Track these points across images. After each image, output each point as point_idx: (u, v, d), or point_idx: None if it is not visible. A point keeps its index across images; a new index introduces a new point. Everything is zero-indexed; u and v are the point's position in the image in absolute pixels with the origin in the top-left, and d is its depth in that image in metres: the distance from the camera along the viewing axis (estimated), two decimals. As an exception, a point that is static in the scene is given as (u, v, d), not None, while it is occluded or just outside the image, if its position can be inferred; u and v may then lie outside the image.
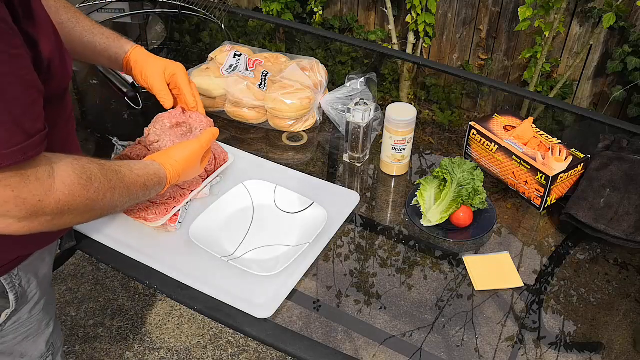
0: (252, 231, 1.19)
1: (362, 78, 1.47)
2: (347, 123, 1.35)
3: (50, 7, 1.01)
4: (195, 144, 1.11)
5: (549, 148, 1.29)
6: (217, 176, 1.29)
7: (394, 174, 1.38)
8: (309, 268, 1.13)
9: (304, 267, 1.11)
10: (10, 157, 0.69)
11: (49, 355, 1.08)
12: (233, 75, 1.50)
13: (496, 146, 1.32)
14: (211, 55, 1.60)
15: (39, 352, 1.05)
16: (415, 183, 1.31)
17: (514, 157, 1.29)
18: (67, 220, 0.81)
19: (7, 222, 0.73)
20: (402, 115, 1.31)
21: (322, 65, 1.54)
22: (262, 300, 1.05)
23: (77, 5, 1.85)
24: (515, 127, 1.35)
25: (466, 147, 1.41)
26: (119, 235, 1.17)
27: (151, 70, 1.22)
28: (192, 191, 1.21)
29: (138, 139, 1.28)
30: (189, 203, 1.23)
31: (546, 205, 1.28)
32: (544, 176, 1.24)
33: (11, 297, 0.94)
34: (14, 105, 0.68)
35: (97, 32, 1.19)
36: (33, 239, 0.83)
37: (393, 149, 1.33)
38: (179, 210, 1.19)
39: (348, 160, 1.41)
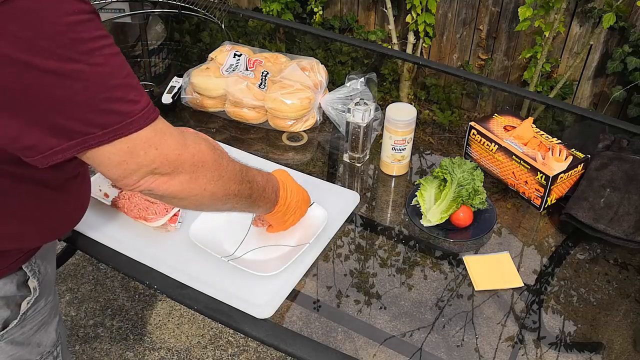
0: (252, 231, 1.19)
1: (362, 78, 1.47)
2: (347, 123, 1.35)
3: None
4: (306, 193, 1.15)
5: (549, 148, 1.29)
6: (217, 176, 1.28)
7: (394, 174, 1.38)
8: (310, 268, 1.13)
9: (303, 267, 1.11)
10: (147, 117, 0.75)
11: (59, 344, 1.09)
12: (233, 75, 1.50)
13: (496, 146, 1.32)
14: (211, 55, 1.60)
15: (51, 341, 1.06)
16: (415, 183, 1.31)
17: (514, 157, 1.29)
18: (203, 183, 0.85)
19: (159, 179, 0.80)
20: (402, 115, 1.31)
21: (322, 65, 1.54)
22: (261, 300, 1.05)
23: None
24: (515, 127, 1.35)
25: (466, 147, 1.41)
26: (119, 235, 1.17)
27: None
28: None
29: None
30: (189, 203, 1.23)
31: (546, 205, 1.28)
32: (544, 176, 1.24)
33: (34, 284, 0.96)
34: (133, 77, 0.75)
35: None
36: (55, 225, 0.92)
37: (393, 149, 1.33)
38: (178, 210, 1.19)
39: (348, 160, 1.41)
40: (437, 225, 1.23)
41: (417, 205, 1.26)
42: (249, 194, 0.96)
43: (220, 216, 1.20)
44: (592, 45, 2.44)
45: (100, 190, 1.23)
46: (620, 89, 2.41)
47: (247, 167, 0.97)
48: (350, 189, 1.33)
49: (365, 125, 1.33)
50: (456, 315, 1.07)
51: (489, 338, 1.04)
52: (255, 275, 1.07)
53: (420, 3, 2.58)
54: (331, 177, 1.40)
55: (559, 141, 1.32)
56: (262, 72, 1.51)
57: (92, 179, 1.24)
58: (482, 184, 1.23)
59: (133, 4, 2.03)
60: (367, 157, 1.42)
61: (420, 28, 2.66)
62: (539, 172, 1.24)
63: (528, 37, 2.56)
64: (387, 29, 2.83)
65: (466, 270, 1.15)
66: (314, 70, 1.51)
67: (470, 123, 1.37)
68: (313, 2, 2.89)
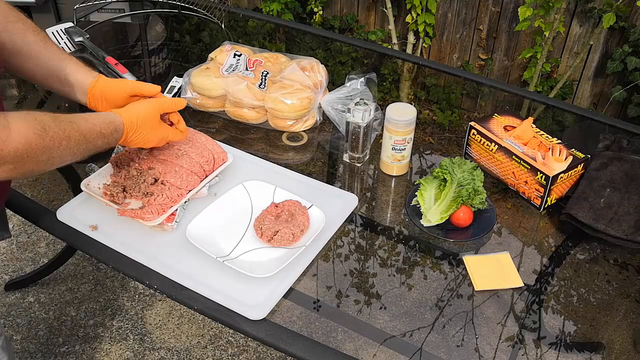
0: (249, 232, 1.19)
1: (362, 78, 1.47)
2: (347, 123, 1.35)
3: (17, 29, 1.11)
4: (153, 101, 1.16)
5: (549, 148, 1.29)
6: (216, 176, 1.29)
7: (394, 174, 1.38)
8: (309, 268, 1.13)
9: (298, 270, 1.11)
10: None
11: None
12: (233, 75, 1.50)
13: (496, 146, 1.32)
14: (211, 55, 1.60)
15: None
16: (415, 183, 1.31)
17: (514, 157, 1.29)
18: (30, 168, 0.91)
19: None
20: (402, 115, 1.31)
21: (322, 65, 1.54)
22: (255, 301, 1.05)
23: (77, 5, 1.86)
24: (515, 127, 1.35)
25: (466, 147, 1.41)
26: (118, 235, 1.17)
27: (117, 88, 1.20)
28: (189, 191, 1.21)
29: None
30: (187, 203, 1.23)
31: (546, 205, 1.28)
32: (544, 176, 1.24)
33: None
34: None
35: (65, 58, 1.18)
36: None
37: (393, 149, 1.33)
38: (176, 210, 1.19)
39: (348, 160, 1.41)
40: (437, 225, 1.23)
41: (417, 205, 1.26)
42: (81, 151, 0.99)
43: (218, 216, 1.20)
44: (592, 45, 2.44)
45: (100, 189, 1.23)
46: (620, 89, 2.41)
47: (75, 122, 0.98)
48: (350, 189, 1.33)
49: (365, 125, 1.33)
50: (456, 315, 1.07)
51: (489, 338, 1.04)
52: (250, 277, 1.07)
53: (420, 3, 2.58)
54: (331, 178, 1.40)
55: (559, 141, 1.32)
56: (262, 72, 1.51)
57: (91, 177, 1.25)
58: (482, 184, 1.23)
59: (133, 4, 2.03)
60: (367, 157, 1.42)
61: (420, 28, 2.66)
62: (539, 172, 1.24)
63: (528, 37, 2.56)
64: (387, 29, 2.83)
65: (466, 270, 1.15)
66: (314, 70, 1.51)
67: (470, 123, 1.37)
68: (313, 2, 2.89)
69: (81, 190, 1.22)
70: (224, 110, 1.53)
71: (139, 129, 1.10)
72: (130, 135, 1.10)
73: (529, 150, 1.29)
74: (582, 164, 1.28)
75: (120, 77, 1.60)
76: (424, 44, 2.78)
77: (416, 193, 1.27)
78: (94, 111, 1.18)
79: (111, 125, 1.05)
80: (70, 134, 0.96)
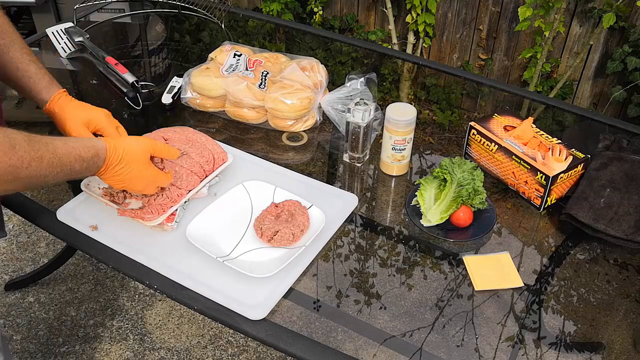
0: (249, 232, 1.19)
1: (362, 78, 1.47)
2: (347, 123, 1.35)
3: None
4: (146, 139, 1.10)
5: (549, 148, 1.29)
6: (216, 176, 1.29)
7: (394, 174, 1.38)
8: (309, 268, 1.13)
9: (298, 270, 1.11)
10: None
11: None
12: (233, 75, 1.50)
13: (496, 146, 1.32)
14: (211, 55, 1.60)
15: None
16: (415, 183, 1.31)
17: (514, 157, 1.29)
18: None
19: None
20: (402, 115, 1.31)
21: (322, 65, 1.54)
22: (255, 301, 1.05)
23: (77, 5, 1.86)
24: (515, 127, 1.35)
25: (466, 147, 1.41)
26: (118, 235, 1.17)
27: (72, 121, 1.19)
28: (189, 191, 1.21)
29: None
30: (187, 203, 1.23)
31: (546, 205, 1.28)
32: (544, 176, 1.24)
33: None
34: None
35: (31, 65, 1.17)
36: None
37: (393, 149, 1.33)
38: (176, 210, 1.19)
39: (348, 160, 1.41)
40: (437, 225, 1.23)
41: (417, 205, 1.26)
42: (54, 174, 0.93)
43: (218, 216, 1.20)
44: (592, 45, 2.44)
45: (100, 189, 1.23)
46: (620, 89, 2.41)
47: (52, 144, 0.93)
48: (350, 189, 1.33)
49: (365, 125, 1.33)
50: (456, 315, 1.07)
51: (489, 338, 1.04)
52: (250, 277, 1.07)
53: (420, 3, 2.58)
54: (331, 178, 1.40)
55: (559, 141, 1.32)
56: (262, 72, 1.51)
57: (91, 177, 1.25)
58: (482, 184, 1.23)
59: (133, 4, 2.03)
60: (367, 157, 1.42)
61: (420, 28, 2.66)
62: (539, 172, 1.24)
63: (528, 37, 2.56)
64: (387, 29, 2.83)
65: (466, 270, 1.15)
66: (314, 70, 1.51)
67: (470, 123, 1.37)
68: (313, 2, 2.89)
69: (81, 190, 1.23)
70: (224, 110, 1.53)
71: (122, 161, 1.03)
72: (111, 167, 1.03)
73: (529, 150, 1.29)
74: (582, 164, 1.28)
75: (121, 77, 1.60)
76: (424, 44, 2.78)
77: (416, 193, 1.27)
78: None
79: (92, 149, 0.99)
80: (42, 155, 0.90)
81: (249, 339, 2.02)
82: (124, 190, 1.21)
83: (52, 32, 1.79)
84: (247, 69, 1.52)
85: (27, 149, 0.87)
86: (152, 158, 1.12)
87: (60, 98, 1.22)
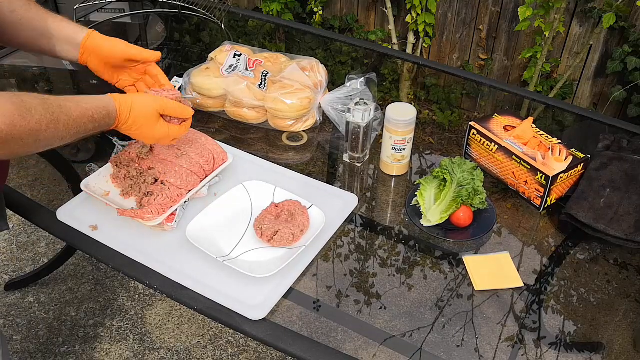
0: (249, 232, 1.19)
1: (362, 78, 1.47)
2: (347, 123, 1.35)
3: (4, 1, 1.10)
4: (156, 98, 1.13)
5: (549, 148, 1.29)
6: (216, 176, 1.29)
7: (394, 174, 1.38)
8: (309, 268, 1.13)
9: (298, 270, 1.11)
10: None
11: None
12: (233, 75, 1.50)
13: (496, 146, 1.32)
14: (211, 55, 1.60)
15: None
16: (415, 183, 1.31)
17: (514, 157, 1.29)
18: (14, 149, 0.90)
19: None
20: (402, 115, 1.31)
21: (322, 65, 1.54)
22: (255, 301, 1.05)
23: (77, 5, 1.86)
24: (515, 127, 1.35)
25: (466, 147, 1.41)
26: (118, 235, 1.17)
27: (111, 46, 1.19)
28: (189, 191, 1.21)
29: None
30: (187, 203, 1.23)
31: (546, 205, 1.28)
32: (544, 176, 1.24)
33: None
34: None
35: (50, 17, 1.16)
36: None
37: (393, 149, 1.33)
38: (176, 210, 1.19)
39: (348, 160, 1.41)
40: (437, 225, 1.23)
41: (417, 205, 1.26)
42: (70, 135, 0.98)
43: (218, 216, 1.20)
44: (592, 45, 2.44)
45: (100, 188, 1.23)
46: (620, 89, 2.41)
47: (65, 106, 0.96)
48: (350, 189, 1.33)
49: (365, 125, 1.33)
50: (456, 315, 1.07)
51: (489, 338, 1.04)
52: (250, 277, 1.07)
53: (420, 3, 2.58)
54: (331, 178, 1.40)
55: (559, 141, 1.32)
56: (262, 72, 1.51)
57: (91, 177, 1.25)
58: (482, 184, 1.23)
59: (133, 4, 2.03)
60: (367, 157, 1.42)
61: (420, 28, 2.66)
62: (539, 172, 1.24)
63: (528, 37, 2.56)
64: (387, 29, 2.83)
65: (466, 270, 1.15)
66: (314, 70, 1.51)
67: (470, 123, 1.37)
68: (313, 2, 2.89)
69: (81, 190, 1.23)
70: (224, 110, 1.53)
71: (130, 119, 1.08)
72: (121, 124, 1.08)
73: (529, 150, 1.29)
74: (582, 164, 1.28)
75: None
76: (424, 44, 2.78)
77: (416, 193, 1.27)
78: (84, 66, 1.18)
79: (104, 110, 1.03)
80: (59, 118, 0.94)
81: (249, 339, 2.02)
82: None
83: (52, 32, 1.78)
84: (247, 69, 1.52)
85: (43, 113, 0.91)
86: (165, 117, 1.14)
87: (96, 33, 1.20)
